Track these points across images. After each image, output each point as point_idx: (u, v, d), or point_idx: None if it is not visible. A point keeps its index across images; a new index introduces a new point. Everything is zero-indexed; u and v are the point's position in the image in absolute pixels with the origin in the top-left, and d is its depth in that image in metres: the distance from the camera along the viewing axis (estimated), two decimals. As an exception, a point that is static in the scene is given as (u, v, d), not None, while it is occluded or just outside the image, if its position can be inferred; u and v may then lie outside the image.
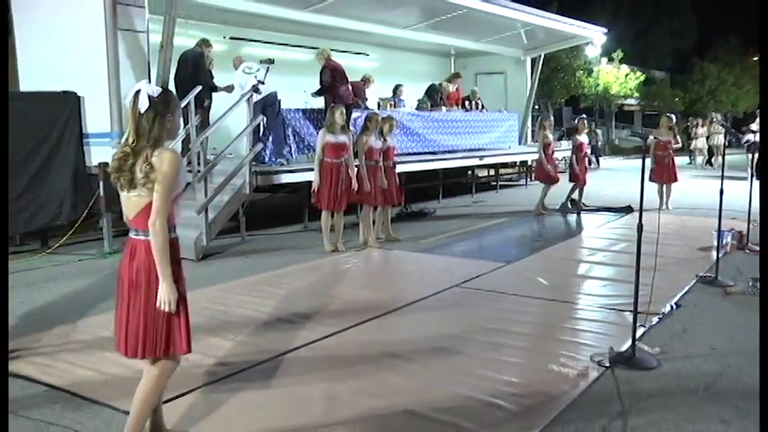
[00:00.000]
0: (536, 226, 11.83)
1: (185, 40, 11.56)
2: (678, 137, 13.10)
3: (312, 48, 13.62)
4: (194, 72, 10.65)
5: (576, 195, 13.18)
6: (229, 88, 11.08)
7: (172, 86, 9.79)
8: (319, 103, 11.94)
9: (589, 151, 14.01)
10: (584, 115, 15.42)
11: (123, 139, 3.44)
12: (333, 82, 11.38)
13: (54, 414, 4.10)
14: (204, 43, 11.04)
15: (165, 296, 3.32)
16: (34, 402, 4.31)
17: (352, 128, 10.56)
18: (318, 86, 11.62)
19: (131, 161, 3.32)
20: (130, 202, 3.37)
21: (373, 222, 9.69)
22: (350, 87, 12.26)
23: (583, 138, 13.27)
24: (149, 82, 3.54)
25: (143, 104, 3.34)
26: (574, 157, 13.07)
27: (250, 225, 10.46)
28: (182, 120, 9.00)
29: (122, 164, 3.34)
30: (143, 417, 3.52)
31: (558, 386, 4.43)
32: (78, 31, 10.01)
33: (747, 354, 5.07)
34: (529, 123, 19.63)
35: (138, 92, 3.37)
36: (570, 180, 13.21)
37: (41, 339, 5.55)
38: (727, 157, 8.30)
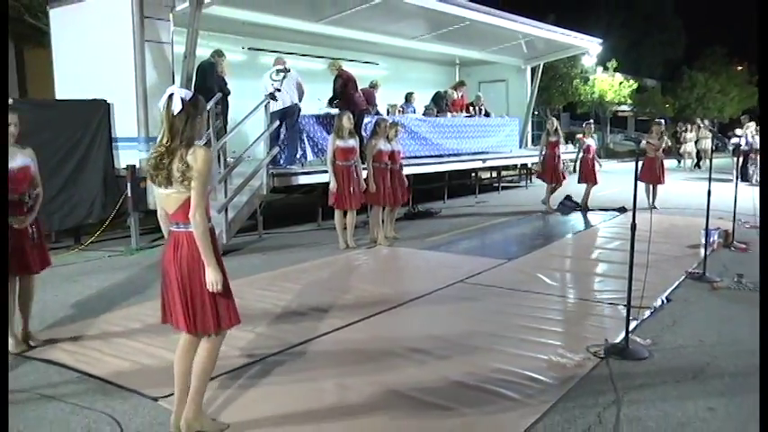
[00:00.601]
0: (536, 225, 11.79)
1: (207, 50, 11.58)
2: (665, 141, 13.05)
3: (325, 57, 13.66)
4: (207, 80, 10.70)
5: (576, 195, 13.17)
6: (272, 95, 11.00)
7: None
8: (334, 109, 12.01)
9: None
10: (590, 121, 15.40)
11: (158, 140, 3.50)
12: (346, 90, 11.43)
13: (88, 399, 4.14)
14: (216, 54, 11.07)
15: (211, 278, 3.42)
16: (69, 388, 4.35)
17: (364, 132, 10.57)
18: (332, 95, 11.68)
19: (167, 160, 3.39)
20: (170, 198, 3.44)
21: (382, 221, 9.72)
22: (362, 95, 12.30)
23: (590, 141, 13.27)
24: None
25: (176, 107, 3.39)
26: (581, 158, 13.06)
27: (267, 224, 10.49)
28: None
29: (159, 162, 3.41)
30: (205, 384, 3.68)
31: (556, 375, 4.45)
32: (109, 43, 10.05)
33: (733, 345, 5.11)
34: (529, 128, 19.60)
35: (171, 95, 3.43)
36: (579, 181, 13.17)
37: (75, 329, 5.60)
38: (714, 161, 8.29)
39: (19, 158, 4.99)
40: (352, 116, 9.36)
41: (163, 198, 3.49)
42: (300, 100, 10.95)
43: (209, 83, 10.65)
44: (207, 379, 3.69)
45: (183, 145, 3.39)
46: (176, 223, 3.47)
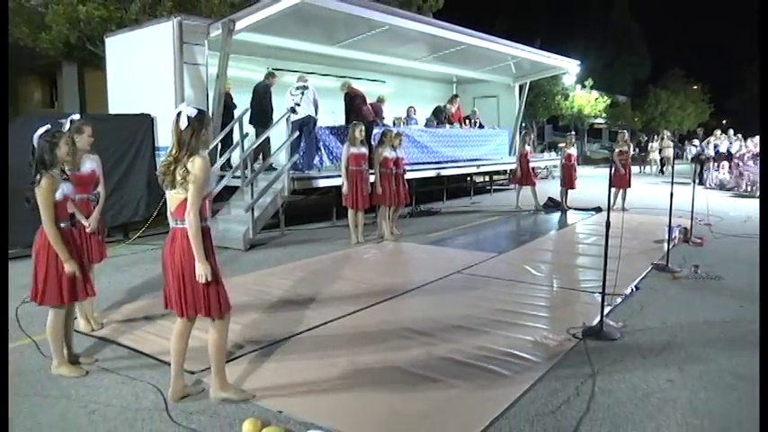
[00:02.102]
0: (522, 223, 11.78)
1: (236, 71, 11.67)
2: (631, 147, 13.14)
3: (339, 76, 13.67)
4: (262, 102, 10.88)
5: (560, 197, 13.20)
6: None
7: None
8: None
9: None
10: (573, 132, 15.48)
11: (168, 150, 3.59)
12: (355, 105, 11.47)
13: (135, 371, 4.21)
14: (270, 75, 11.11)
15: (200, 271, 3.49)
16: (122, 362, 4.42)
17: (373, 142, 10.59)
18: (344, 110, 11.73)
19: (173, 167, 3.49)
20: (172, 198, 3.55)
21: (389, 219, 9.74)
22: (371, 108, 12.31)
23: (571, 150, 13.31)
24: (190, 105, 3.64)
25: (183, 123, 3.49)
26: (563, 165, 13.12)
27: (288, 221, 10.51)
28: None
29: (167, 169, 3.53)
30: (221, 361, 3.77)
31: (540, 354, 4.47)
32: (153, 65, 10.15)
33: (690, 326, 5.17)
34: (517, 138, 19.52)
35: (179, 113, 3.52)
36: (561, 185, 13.20)
37: (124, 312, 5.68)
38: (675, 167, 8.30)
39: (88, 164, 5.16)
40: (363, 128, 9.39)
41: (169, 198, 3.59)
42: (316, 113, 10.98)
43: (264, 104, 10.75)
44: (222, 355, 3.78)
45: (187, 154, 3.47)
46: (175, 220, 3.57)
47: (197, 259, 3.48)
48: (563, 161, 13.25)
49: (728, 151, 19.62)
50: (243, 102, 11.14)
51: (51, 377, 4.10)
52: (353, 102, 11.72)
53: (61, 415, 3.59)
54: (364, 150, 9.21)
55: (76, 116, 5.20)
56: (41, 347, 4.51)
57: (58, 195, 3.97)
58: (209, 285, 3.54)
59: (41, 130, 4.00)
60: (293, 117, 10.42)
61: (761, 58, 6.68)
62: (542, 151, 22.15)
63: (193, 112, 3.53)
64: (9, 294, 6.20)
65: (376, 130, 11.80)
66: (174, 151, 3.51)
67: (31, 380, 4.09)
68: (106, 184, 5.58)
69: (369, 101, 13.17)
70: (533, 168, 14.46)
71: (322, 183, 10.93)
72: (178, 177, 3.45)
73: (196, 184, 3.44)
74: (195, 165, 3.44)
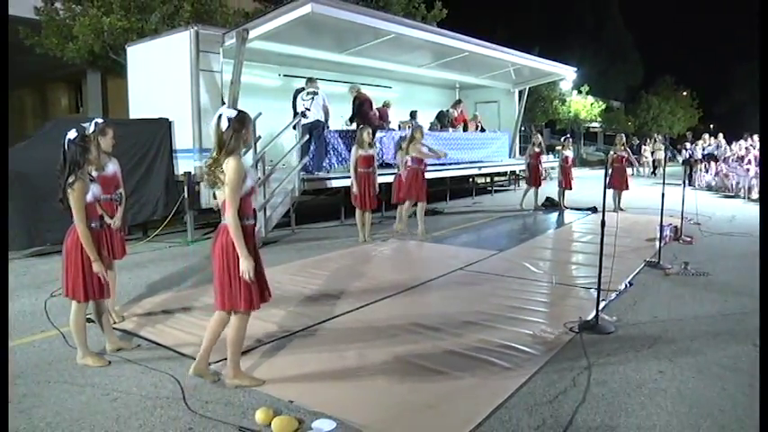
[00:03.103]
0: (522, 222, 11.76)
1: (250, 77, 11.67)
2: (627, 151, 13.08)
3: (348, 82, 13.68)
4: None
5: (557, 197, 13.18)
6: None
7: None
8: (353, 125, 12.06)
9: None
10: (568, 135, 15.45)
11: (212, 151, 3.60)
12: (363, 109, 11.47)
13: (154, 362, 4.22)
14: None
15: (243, 267, 3.50)
16: (142, 353, 4.43)
17: (378, 144, 10.57)
18: (351, 114, 11.72)
19: (214, 167, 3.51)
20: (219, 196, 3.57)
21: (409, 216, 9.78)
22: (377, 113, 12.31)
23: (568, 152, 13.30)
24: (230, 107, 3.66)
25: (224, 124, 3.49)
26: (561, 167, 13.11)
27: (299, 220, 10.53)
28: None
29: (209, 169, 3.55)
30: (237, 353, 3.79)
31: (538, 347, 4.47)
32: (171, 72, 10.17)
33: (680, 320, 5.16)
34: (517, 141, 19.54)
35: (220, 115, 3.53)
36: (559, 186, 13.18)
37: (145, 306, 5.69)
38: (666, 169, 8.27)
39: (111, 166, 5.22)
40: (371, 131, 9.39)
41: (217, 196, 3.60)
42: (327, 119, 10.98)
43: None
44: (238, 348, 3.78)
45: (226, 155, 3.48)
46: (221, 216, 3.59)
47: (240, 256, 3.49)
48: (561, 163, 13.25)
49: (715, 154, 19.58)
50: (255, 106, 11.15)
51: (77, 366, 4.13)
52: (361, 106, 11.73)
53: (86, 402, 3.61)
54: (372, 152, 9.18)
55: (100, 120, 5.23)
56: (68, 339, 4.53)
57: (89, 197, 4.00)
58: (241, 280, 3.54)
59: (72, 135, 4.00)
60: (303, 121, 10.44)
61: (761, 58, 6.63)
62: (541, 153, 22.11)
63: (233, 114, 3.54)
64: (39, 288, 6.29)
65: (381, 134, 11.84)
66: (215, 153, 3.54)
67: (59, 368, 4.12)
68: (126, 184, 5.63)
69: (375, 106, 13.20)
70: (545, 170, 14.46)
71: (330, 183, 10.94)
72: (218, 178, 3.49)
73: (230, 186, 3.45)
74: (228, 167, 3.45)
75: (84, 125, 4.96)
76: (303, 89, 11.08)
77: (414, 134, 9.59)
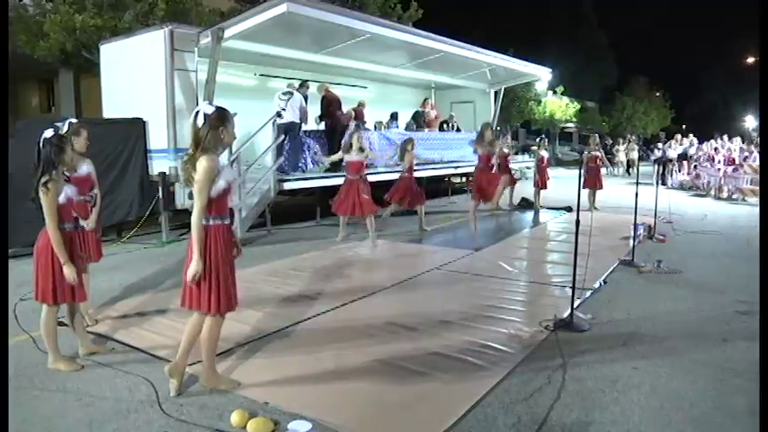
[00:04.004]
0: (497, 221, 11.81)
1: (225, 77, 11.58)
2: (601, 151, 13.25)
3: (324, 82, 13.64)
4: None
5: (533, 197, 13.27)
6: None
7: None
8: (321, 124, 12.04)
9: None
10: (543, 136, 15.60)
11: (189, 148, 3.54)
12: (331, 109, 11.38)
13: (128, 365, 4.17)
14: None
15: (192, 269, 3.44)
16: (114, 356, 4.37)
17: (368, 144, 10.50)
18: (320, 113, 11.67)
19: (189, 165, 3.45)
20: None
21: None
22: (353, 113, 12.27)
23: (544, 152, 13.40)
24: (210, 103, 3.59)
25: (200, 121, 3.42)
26: (537, 167, 13.19)
27: (274, 221, 10.48)
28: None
29: (185, 166, 3.49)
30: (212, 354, 3.74)
31: (514, 345, 4.49)
32: (146, 71, 10.04)
33: (653, 317, 5.25)
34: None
35: (197, 111, 3.46)
36: (534, 185, 13.25)
37: (119, 308, 5.61)
38: (640, 168, 8.39)
39: (84, 166, 5.16)
40: (360, 135, 9.24)
41: (192, 196, 3.54)
42: (304, 120, 10.93)
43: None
44: (212, 349, 3.72)
45: (201, 153, 3.42)
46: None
47: (194, 257, 3.43)
48: (537, 163, 13.34)
49: (687, 154, 19.90)
50: (230, 106, 11.05)
51: (48, 371, 4.05)
52: (329, 106, 11.64)
53: (57, 407, 3.54)
54: (359, 158, 8.90)
55: (74, 120, 5.16)
56: (38, 343, 4.45)
57: (62, 198, 3.93)
58: (210, 282, 3.49)
59: (48, 134, 3.94)
60: (279, 121, 10.38)
61: (761, 57, 6.75)
62: (516, 153, 22.24)
63: (210, 110, 3.47)
64: (9, 292, 6.15)
65: (346, 137, 11.83)
66: (191, 150, 3.47)
67: (29, 374, 4.04)
68: (101, 185, 5.56)
69: (351, 106, 13.21)
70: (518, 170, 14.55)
71: (306, 184, 10.89)
72: (191, 175, 3.43)
73: (198, 185, 3.39)
74: (200, 165, 3.39)
75: (58, 124, 4.89)
76: (290, 91, 11.03)
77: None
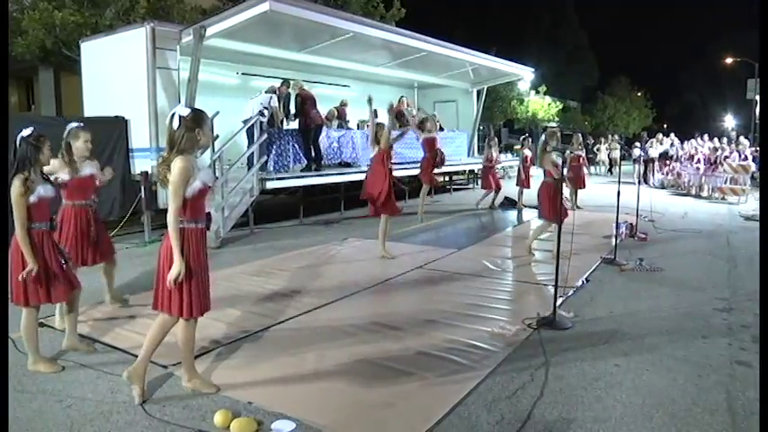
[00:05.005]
0: (480, 220, 11.86)
1: (207, 75, 11.51)
2: (582, 150, 13.36)
3: (307, 81, 13.61)
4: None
5: (516, 196, 13.31)
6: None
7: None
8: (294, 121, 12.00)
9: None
10: (527, 135, 15.62)
11: (165, 150, 3.50)
12: (305, 108, 11.29)
13: (110, 366, 4.13)
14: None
15: (174, 271, 3.39)
16: (98, 357, 4.33)
17: (336, 143, 10.43)
18: (295, 110, 11.60)
19: (163, 167, 3.42)
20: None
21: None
22: (335, 111, 12.21)
23: (527, 152, 13.42)
24: (186, 106, 3.56)
25: (175, 123, 3.39)
26: (521, 166, 13.21)
27: (257, 220, 10.43)
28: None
29: (160, 168, 3.45)
30: (189, 356, 3.74)
31: (497, 344, 4.52)
32: (127, 69, 9.97)
33: (635, 315, 5.30)
34: (475, 140, 19.72)
35: (173, 113, 3.43)
36: (517, 184, 13.27)
37: (101, 309, 5.57)
38: (622, 167, 8.47)
39: (89, 168, 5.15)
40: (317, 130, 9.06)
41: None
42: (277, 120, 10.90)
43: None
44: (189, 351, 3.71)
45: (176, 154, 3.39)
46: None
47: (174, 259, 3.37)
48: (521, 162, 13.35)
49: (668, 153, 20.11)
50: (212, 105, 11.01)
51: (28, 373, 4.00)
52: (303, 104, 11.58)
53: (37, 409, 3.51)
54: (374, 152, 7.93)
55: (75, 123, 5.19)
56: (17, 344, 4.39)
57: (33, 198, 3.87)
58: (182, 285, 3.45)
59: (26, 132, 3.89)
60: (261, 119, 10.33)
61: (761, 57, 6.83)
62: (499, 153, 22.38)
63: (186, 112, 3.42)
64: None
65: (339, 133, 11.78)
66: (166, 152, 3.43)
67: (8, 375, 3.98)
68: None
69: (333, 105, 13.18)
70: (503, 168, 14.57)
71: (289, 183, 10.85)
72: (166, 177, 3.39)
73: (173, 186, 3.35)
74: (174, 167, 3.35)
75: (74, 125, 5.07)
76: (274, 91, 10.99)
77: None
